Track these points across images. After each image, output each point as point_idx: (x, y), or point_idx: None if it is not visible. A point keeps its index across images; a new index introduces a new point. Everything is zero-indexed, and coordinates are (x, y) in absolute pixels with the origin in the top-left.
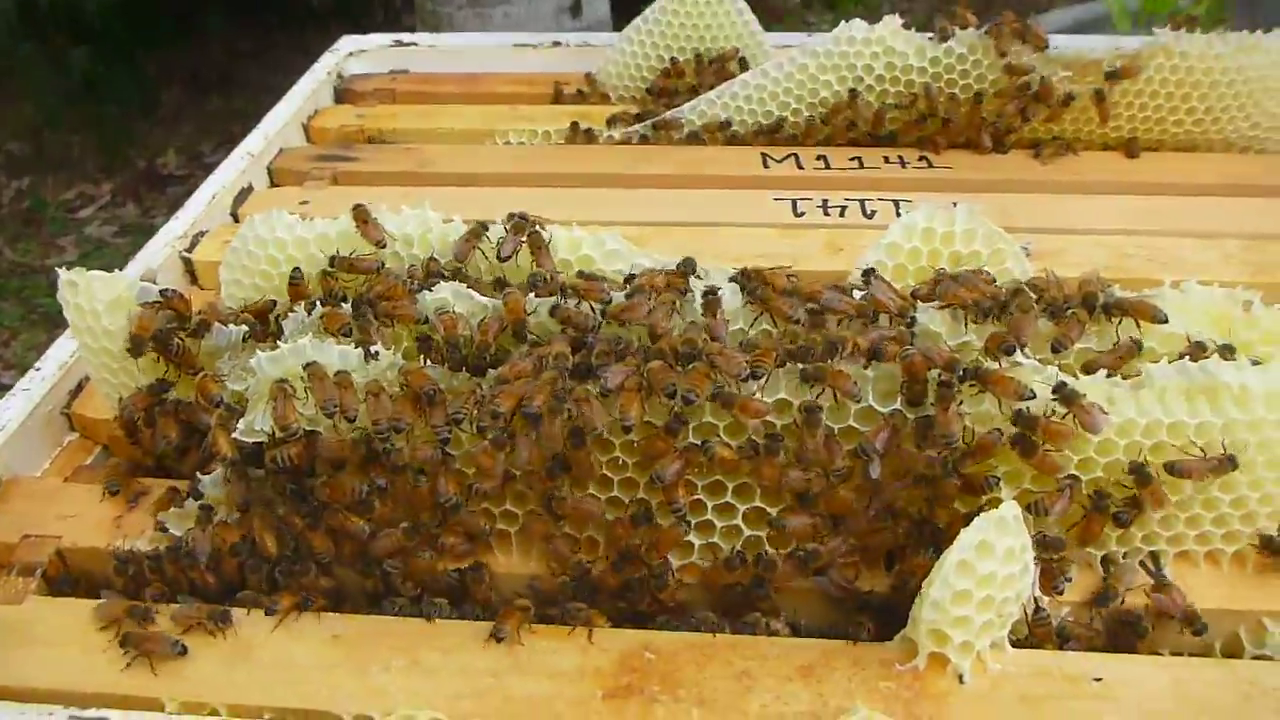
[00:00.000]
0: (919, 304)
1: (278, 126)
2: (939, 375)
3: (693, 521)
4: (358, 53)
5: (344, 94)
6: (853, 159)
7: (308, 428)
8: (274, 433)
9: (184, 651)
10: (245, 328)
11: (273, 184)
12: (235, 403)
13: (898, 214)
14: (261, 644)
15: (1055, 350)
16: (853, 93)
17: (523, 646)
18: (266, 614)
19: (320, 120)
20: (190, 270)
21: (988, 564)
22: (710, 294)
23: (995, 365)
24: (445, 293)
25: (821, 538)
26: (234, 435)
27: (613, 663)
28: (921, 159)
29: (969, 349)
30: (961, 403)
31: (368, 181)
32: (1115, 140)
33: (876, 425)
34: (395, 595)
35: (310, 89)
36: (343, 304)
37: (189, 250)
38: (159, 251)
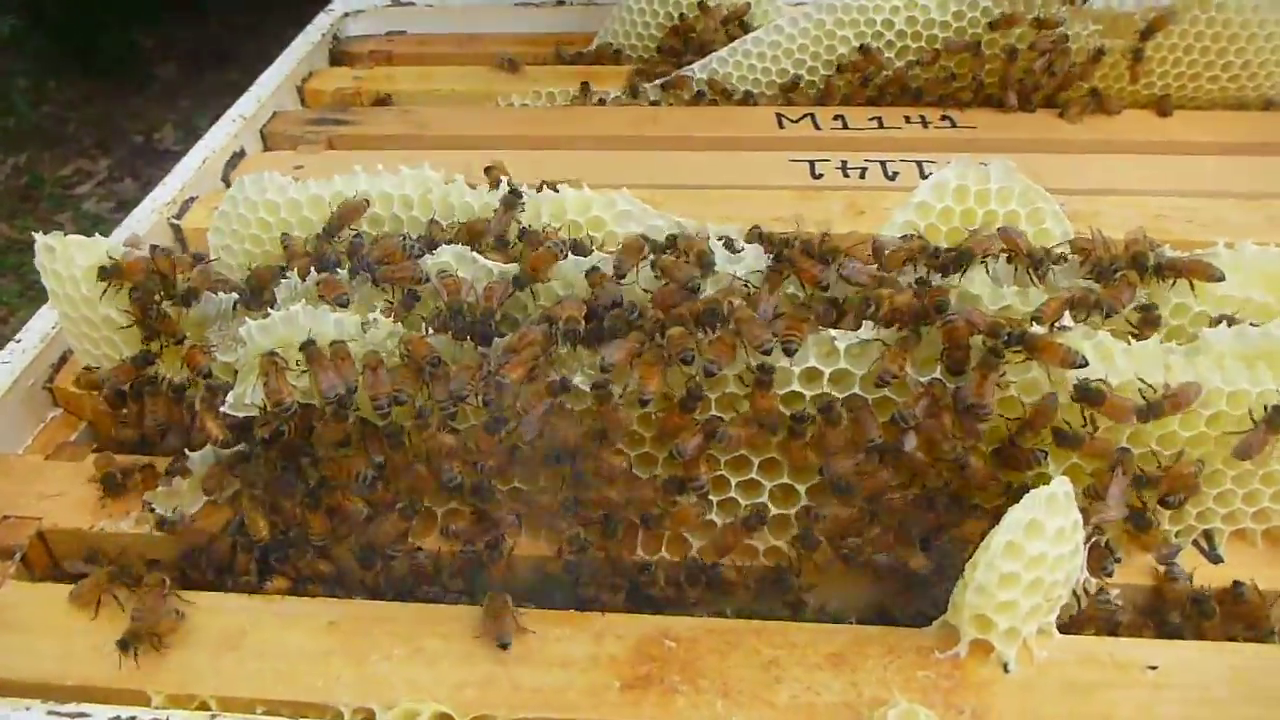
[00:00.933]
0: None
1: (271, 89)
2: (983, 342)
3: (715, 500)
4: (354, 13)
5: (340, 55)
6: (872, 119)
7: (302, 401)
8: (265, 407)
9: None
10: (236, 295)
11: (266, 148)
12: (224, 375)
13: (922, 176)
14: (253, 631)
15: (1106, 315)
16: (863, 48)
17: (532, 633)
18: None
19: (315, 82)
20: (180, 238)
21: (1037, 544)
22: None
23: (1042, 330)
24: (447, 256)
25: (861, 528)
26: (222, 409)
27: (629, 651)
28: (944, 118)
29: (1011, 312)
30: (1004, 372)
31: (364, 145)
32: (1147, 98)
33: (914, 393)
34: (398, 588)
35: (305, 50)
36: (338, 270)
37: (178, 217)
38: (145, 218)
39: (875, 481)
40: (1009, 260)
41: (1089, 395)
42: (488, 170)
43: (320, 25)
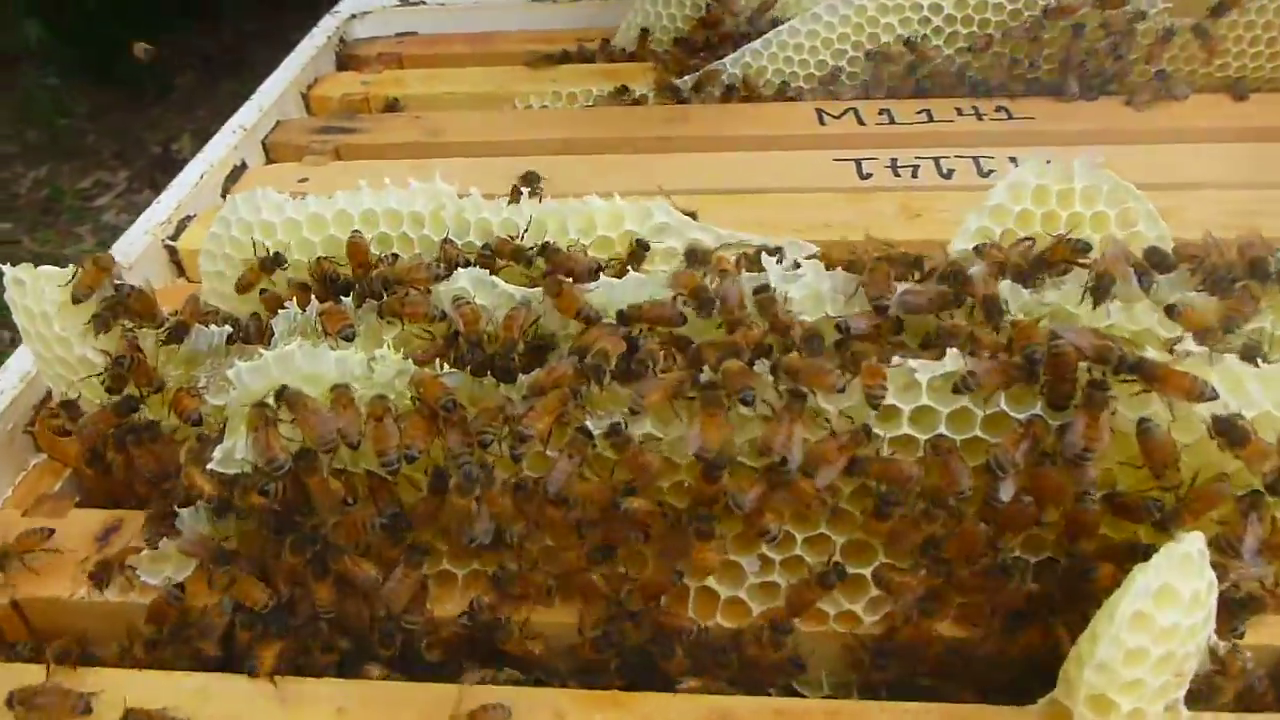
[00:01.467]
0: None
1: (273, 98)
2: (1089, 371)
3: (776, 558)
4: (361, 15)
5: (347, 60)
6: (920, 112)
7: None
8: (257, 465)
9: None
10: (229, 329)
11: (269, 160)
12: (219, 419)
13: (979, 172)
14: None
15: (1227, 331)
16: (908, 42)
17: (570, 718)
18: (249, 674)
19: (321, 89)
20: (176, 260)
21: (1170, 614)
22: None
23: (1159, 357)
24: (464, 281)
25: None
26: (209, 467)
27: None
28: (999, 109)
29: (1116, 331)
30: (1115, 409)
31: (374, 154)
32: (1220, 81)
33: (1011, 434)
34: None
35: (309, 55)
36: (343, 298)
37: (173, 238)
38: (138, 239)
39: (972, 538)
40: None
41: (1233, 435)
42: (528, 176)
43: (326, 28)
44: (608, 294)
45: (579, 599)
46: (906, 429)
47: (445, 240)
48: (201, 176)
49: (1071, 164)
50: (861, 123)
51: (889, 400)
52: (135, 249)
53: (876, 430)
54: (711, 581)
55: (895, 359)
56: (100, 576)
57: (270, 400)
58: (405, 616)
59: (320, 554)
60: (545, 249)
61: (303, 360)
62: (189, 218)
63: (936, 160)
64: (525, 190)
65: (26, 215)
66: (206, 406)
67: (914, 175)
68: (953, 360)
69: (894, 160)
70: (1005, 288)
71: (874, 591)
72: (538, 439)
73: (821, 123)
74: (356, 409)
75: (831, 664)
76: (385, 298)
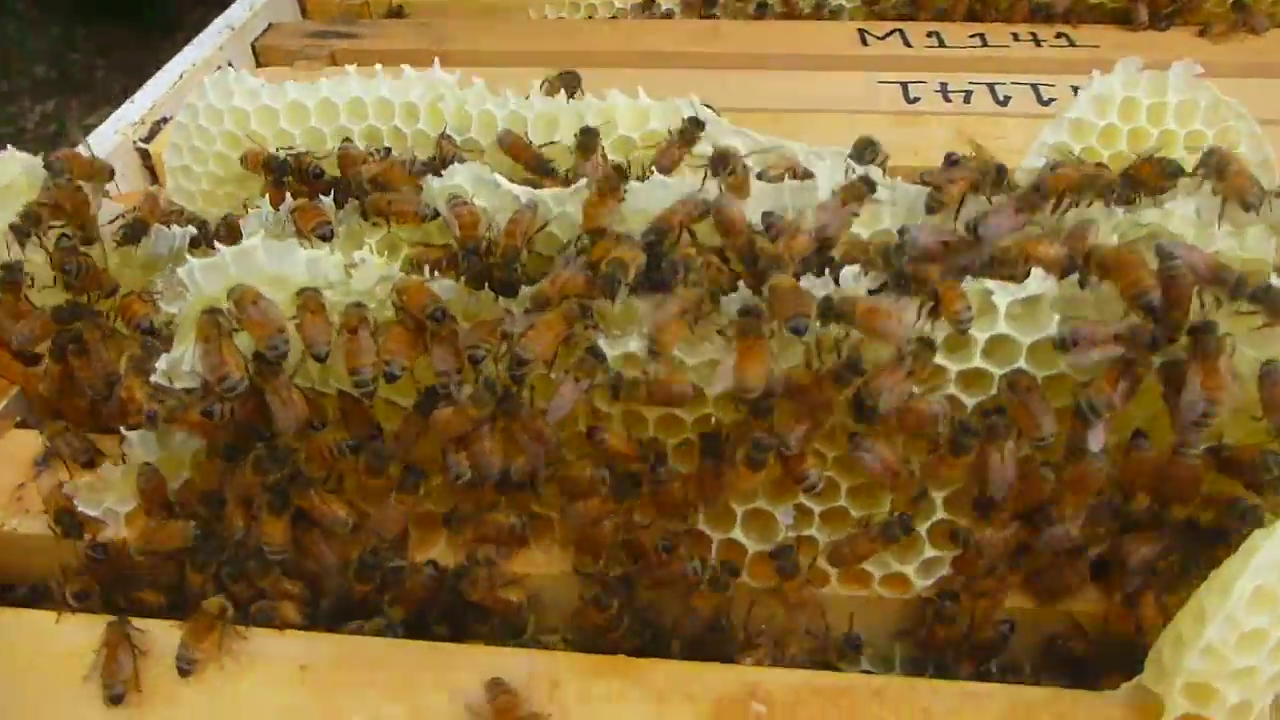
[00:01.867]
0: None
1: None
2: (1202, 300)
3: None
4: None
5: None
6: (973, 36)
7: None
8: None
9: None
10: (194, 230)
11: (259, 65)
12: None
13: (1039, 100)
14: (196, 677)
15: None
16: None
17: (568, 688)
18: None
19: None
20: (149, 165)
21: None
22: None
23: None
24: (461, 178)
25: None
26: (153, 378)
27: (705, 716)
28: (1060, 36)
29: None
30: (1234, 348)
31: (373, 61)
32: None
33: (1108, 370)
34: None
35: None
36: (322, 197)
37: (146, 140)
38: (107, 139)
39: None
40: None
41: None
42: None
43: None
44: (629, 198)
45: (583, 548)
46: (979, 362)
47: (442, 135)
48: (181, 76)
49: (1166, 74)
50: (908, 45)
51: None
52: (103, 150)
53: (943, 363)
54: (739, 533)
55: (967, 280)
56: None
57: (227, 306)
58: (389, 557)
59: (281, 487)
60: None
61: (267, 258)
62: (164, 120)
63: (991, 86)
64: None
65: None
66: (160, 314)
67: (966, 101)
68: (1038, 282)
69: (944, 85)
70: (1096, 209)
71: (929, 552)
72: (539, 361)
73: (864, 44)
74: (326, 317)
75: (872, 634)
76: (370, 196)
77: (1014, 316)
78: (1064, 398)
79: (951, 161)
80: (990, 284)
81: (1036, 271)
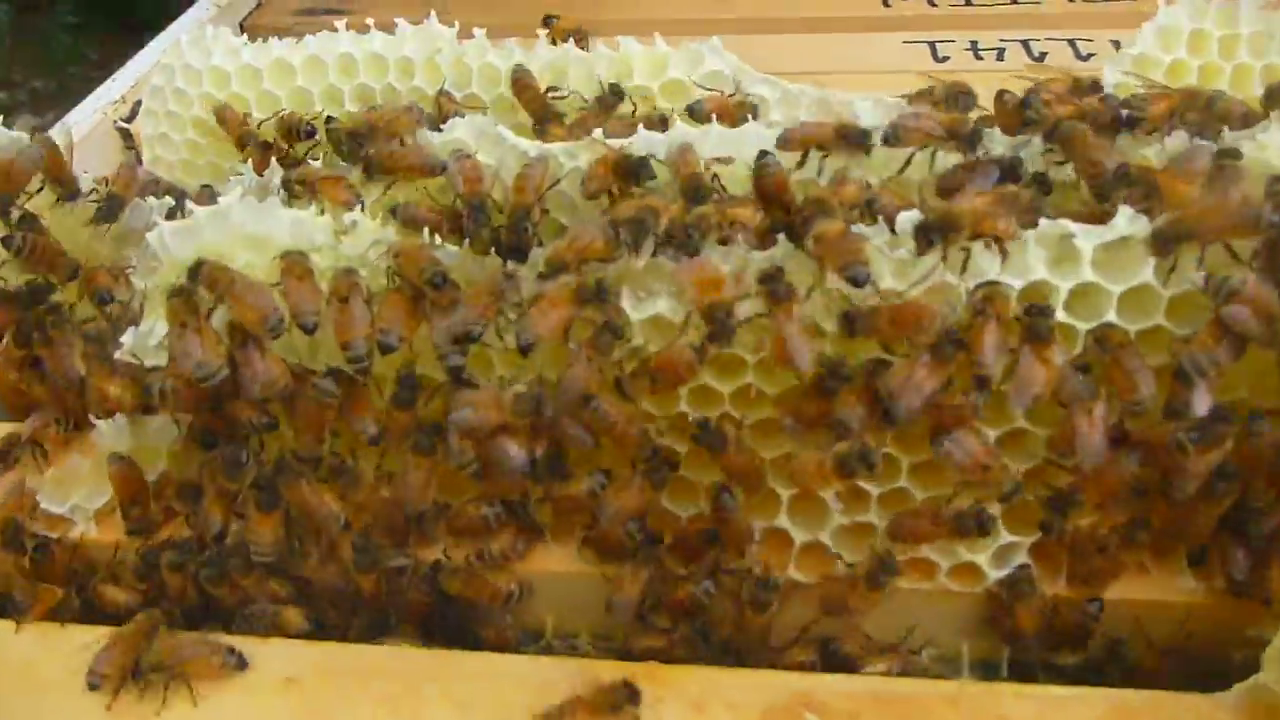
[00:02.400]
0: None
1: None
2: None
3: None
4: None
5: None
6: None
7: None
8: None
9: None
10: (171, 201)
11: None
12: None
13: (1077, 55)
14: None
15: None
16: None
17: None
18: None
19: None
20: (131, 146)
21: None
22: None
23: None
24: (462, 131)
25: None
26: (118, 355)
27: None
28: None
29: None
30: None
31: None
32: None
33: (1211, 324)
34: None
35: None
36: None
37: (128, 120)
38: (86, 118)
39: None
40: None
41: None
42: (547, 21)
43: None
44: (649, 149)
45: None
46: (1061, 316)
47: (440, 92)
48: (165, 53)
49: (1235, 4)
50: (933, 4)
51: (1038, 276)
52: (82, 128)
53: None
54: (784, 521)
55: (1044, 221)
56: None
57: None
58: (390, 553)
59: (270, 477)
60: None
61: (245, 218)
62: None
63: (1025, 43)
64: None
65: None
66: (127, 290)
67: (999, 59)
68: (1128, 221)
69: (974, 43)
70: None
71: (1005, 538)
72: (543, 342)
73: (886, 4)
74: (314, 282)
75: (937, 631)
76: (369, 150)
77: (1101, 263)
78: (1160, 355)
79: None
80: (1071, 225)
81: (1124, 209)
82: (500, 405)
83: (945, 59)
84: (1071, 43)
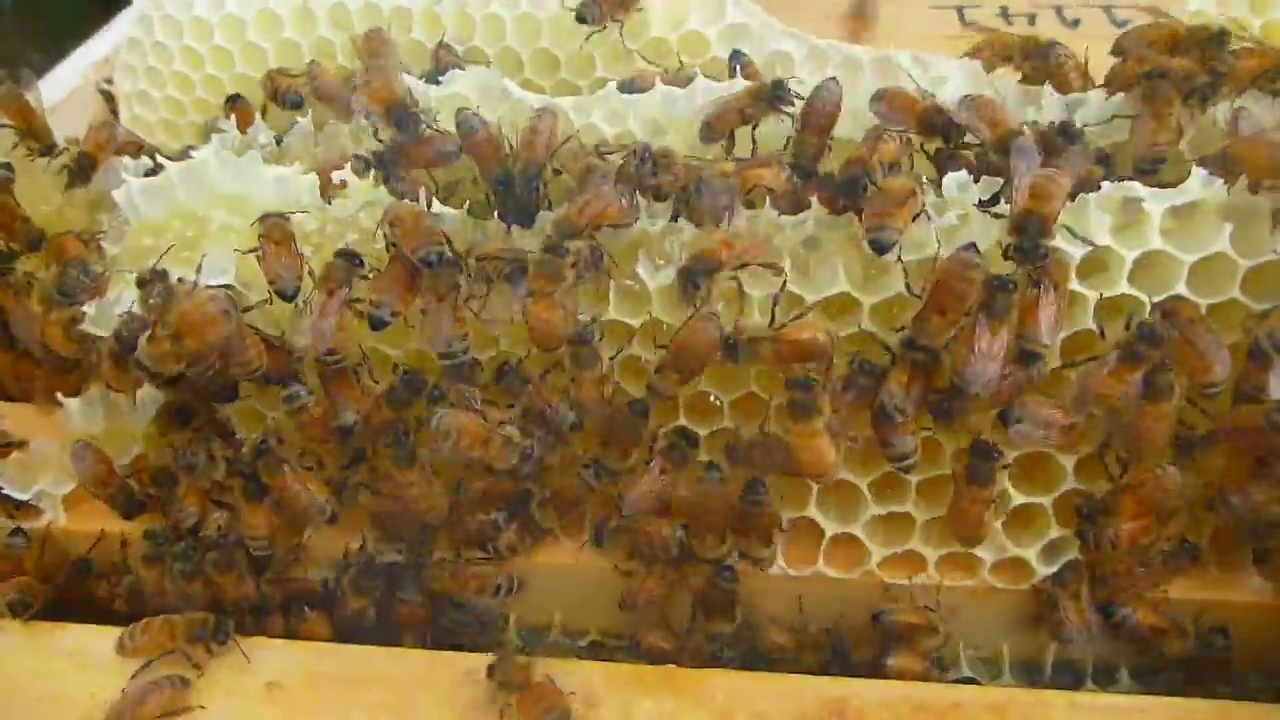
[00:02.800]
0: None
1: None
2: None
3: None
4: None
5: None
6: None
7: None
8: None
9: None
10: (150, 162)
11: None
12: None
13: (1112, 21)
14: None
15: None
16: None
17: (607, 706)
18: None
19: None
20: (115, 109)
21: None
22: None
23: None
24: (462, 85)
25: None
26: (80, 327)
27: None
28: None
29: None
30: None
31: None
32: None
33: None
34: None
35: None
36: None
37: (111, 82)
38: (67, 81)
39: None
40: None
41: None
42: None
43: None
44: (667, 106)
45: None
46: (1124, 287)
47: (439, 45)
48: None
49: None
50: None
51: (1103, 241)
52: (61, 90)
53: (1081, 290)
54: (814, 511)
55: (1107, 184)
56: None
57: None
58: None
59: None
60: None
61: (223, 175)
62: None
63: (1059, 9)
64: None
65: None
66: (99, 258)
67: (1030, 23)
68: (1202, 183)
69: (1004, 8)
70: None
71: (1055, 532)
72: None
73: None
74: (293, 248)
75: (976, 632)
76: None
77: (1169, 231)
78: (1232, 332)
79: None
80: (1140, 188)
81: (1198, 171)
82: None
83: (972, 23)
84: (1108, 10)
